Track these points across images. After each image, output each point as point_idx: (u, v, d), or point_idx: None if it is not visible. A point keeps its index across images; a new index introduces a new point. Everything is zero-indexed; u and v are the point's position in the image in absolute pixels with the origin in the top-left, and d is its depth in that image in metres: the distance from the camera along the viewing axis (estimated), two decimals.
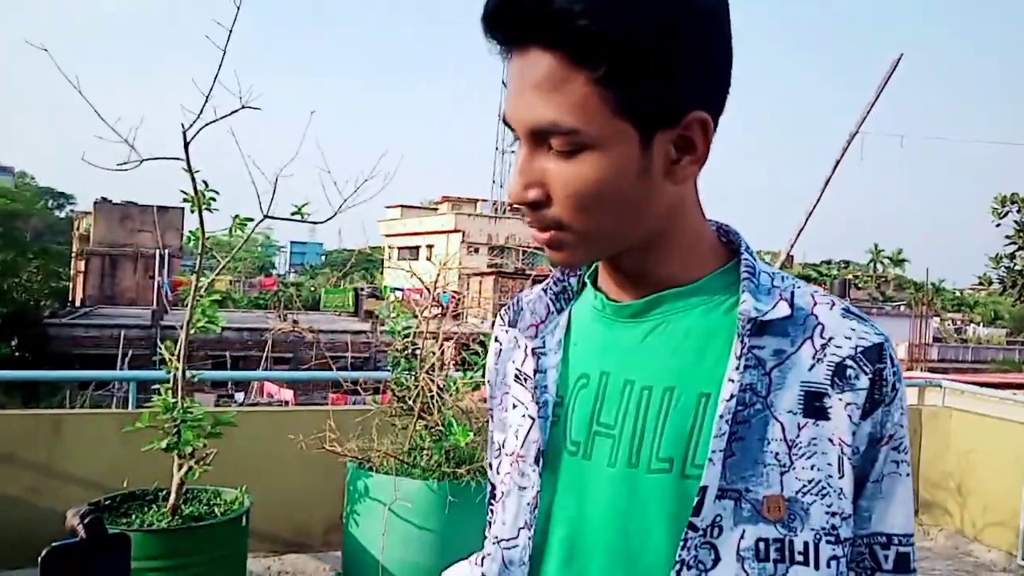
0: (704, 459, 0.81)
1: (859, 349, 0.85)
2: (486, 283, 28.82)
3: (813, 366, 0.84)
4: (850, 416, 0.83)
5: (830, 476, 0.83)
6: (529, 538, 0.92)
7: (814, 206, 6.14)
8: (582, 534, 0.89)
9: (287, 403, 16.55)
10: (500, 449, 1.01)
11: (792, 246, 6.78)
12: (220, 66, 3.14)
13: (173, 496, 3.42)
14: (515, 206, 0.86)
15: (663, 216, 0.87)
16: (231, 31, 3.12)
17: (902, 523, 0.88)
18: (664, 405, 0.86)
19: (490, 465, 1.10)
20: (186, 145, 3.23)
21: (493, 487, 1.08)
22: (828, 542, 0.82)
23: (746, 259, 0.90)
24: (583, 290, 1.00)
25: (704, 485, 0.81)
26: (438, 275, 4.09)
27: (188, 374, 3.58)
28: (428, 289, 4.07)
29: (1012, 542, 5.34)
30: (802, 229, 6.29)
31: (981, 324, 50.63)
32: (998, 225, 7.13)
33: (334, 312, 36.00)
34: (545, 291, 1.01)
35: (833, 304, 0.89)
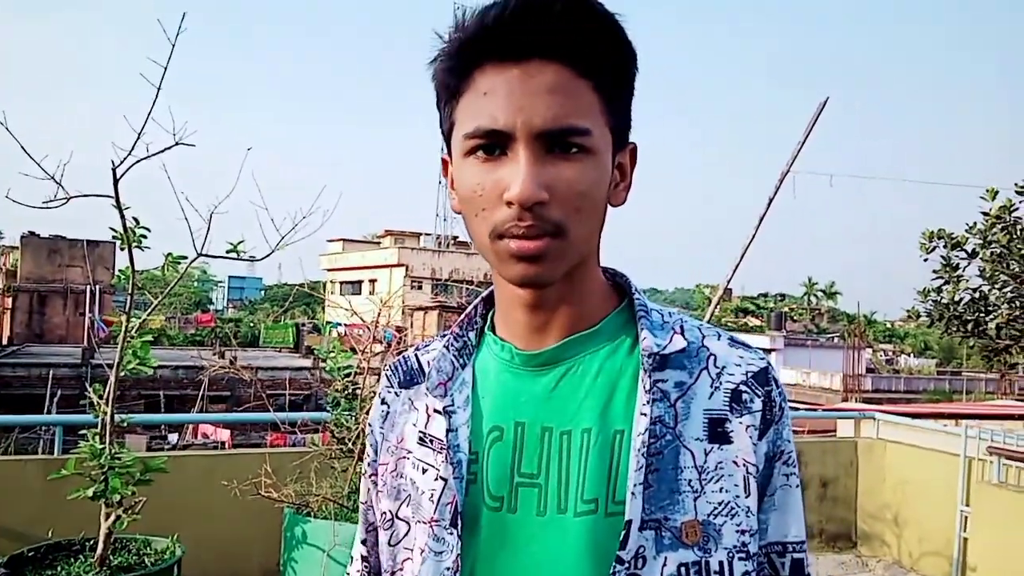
0: (623, 495, 0.84)
1: (749, 374, 0.91)
2: (430, 318, 28.66)
3: (712, 394, 0.89)
4: (751, 437, 0.89)
5: (737, 496, 0.87)
6: None
7: (750, 241, 6.27)
8: None
9: (224, 444, 16.10)
10: (393, 520, 0.97)
11: (729, 280, 6.91)
12: (154, 103, 3.08)
13: (101, 546, 3.29)
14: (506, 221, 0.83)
15: (597, 238, 0.92)
16: (166, 68, 3.06)
17: (795, 531, 0.93)
18: (584, 447, 0.88)
19: (363, 541, 1.08)
20: (115, 182, 3.14)
21: (364, 562, 1.08)
22: (740, 559, 0.86)
23: (638, 299, 0.95)
24: (480, 344, 1.00)
25: (629, 519, 0.83)
26: (379, 313, 4.04)
27: (117, 418, 3.45)
28: (368, 328, 4.01)
29: (947, 571, 5.46)
30: (738, 264, 6.41)
31: (912, 355, 52.19)
32: (925, 260, 7.44)
33: (274, 348, 35.34)
34: (448, 348, 0.99)
35: (719, 335, 0.95)
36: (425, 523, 0.92)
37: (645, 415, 0.86)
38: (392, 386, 1.04)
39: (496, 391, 0.94)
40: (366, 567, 1.08)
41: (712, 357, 0.91)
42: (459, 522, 0.89)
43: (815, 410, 11.64)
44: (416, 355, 1.05)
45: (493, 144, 0.84)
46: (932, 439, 6.10)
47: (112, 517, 3.30)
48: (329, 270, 48.93)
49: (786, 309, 57.56)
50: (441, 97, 0.90)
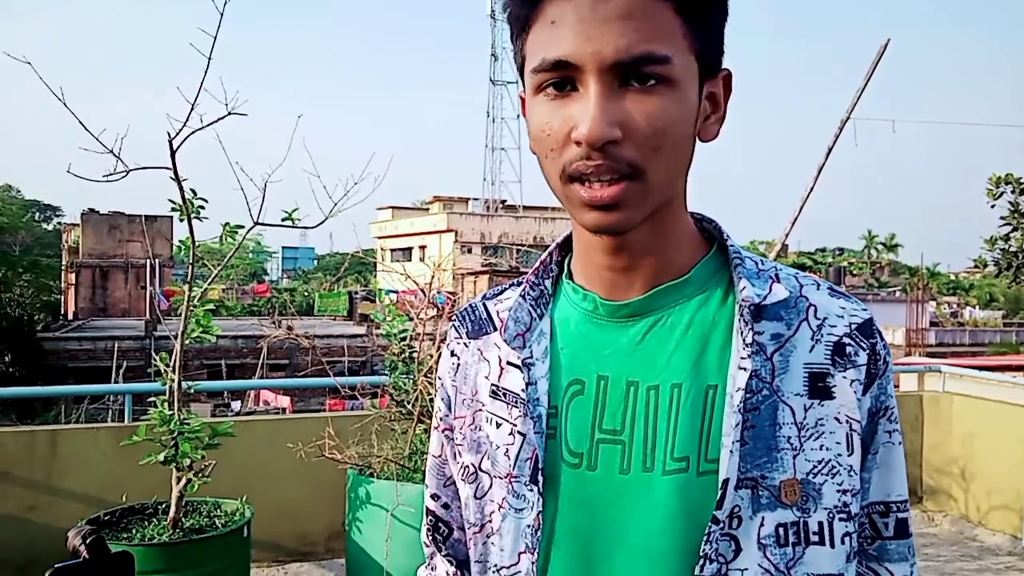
0: (717, 452, 0.81)
1: (853, 326, 0.86)
2: (481, 282, 28.79)
3: (813, 347, 0.84)
4: (855, 392, 0.84)
5: (839, 455, 0.83)
6: (533, 562, 0.87)
7: (808, 193, 6.12)
8: (594, 547, 0.85)
9: (284, 410, 16.50)
10: (476, 472, 0.94)
11: (787, 235, 6.77)
12: (205, 73, 3.10)
13: (173, 509, 3.39)
14: (579, 160, 0.77)
15: (683, 179, 0.86)
16: (215, 38, 3.07)
17: (899, 490, 0.89)
18: (674, 403, 0.84)
19: (434, 496, 1.05)
20: (172, 154, 3.18)
21: (436, 520, 1.04)
22: (840, 519, 0.83)
23: (732, 246, 0.89)
24: (556, 292, 0.95)
25: (726, 478, 0.79)
26: (432, 277, 4.05)
27: (184, 385, 3.54)
28: (423, 291, 4.03)
29: (1016, 525, 5.34)
30: (797, 217, 6.27)
31: (977, 307, 50.79)
32: (992, 206, 7.19)
33: (329, 317, 35.93)
34: (524, 297, 0.94)
35: (819, 284, 0.89)
36: (503, 479, 0.90)
37: (744, 369, 0.81)
38: (461, 336, 1.00)
39: (577, 343, 0.90)
40: (443, 523, 1.04)
41: (812, 308, 0.86)
42: (539, 478, 0.86)
43: None
44: (484, 304, 1.01)
45: (563, 78, 0.78)
46: (1000, 391, 5.94)
47: (183, 481, 3.39)
48: (380, 238, 49.38)
49: (845, 263, 56.35)
50: (513, 30, 0.84)
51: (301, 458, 3.71)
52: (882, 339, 0.88)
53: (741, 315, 0.83)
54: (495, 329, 0.96)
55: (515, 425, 0.89)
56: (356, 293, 34.78)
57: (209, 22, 3.10)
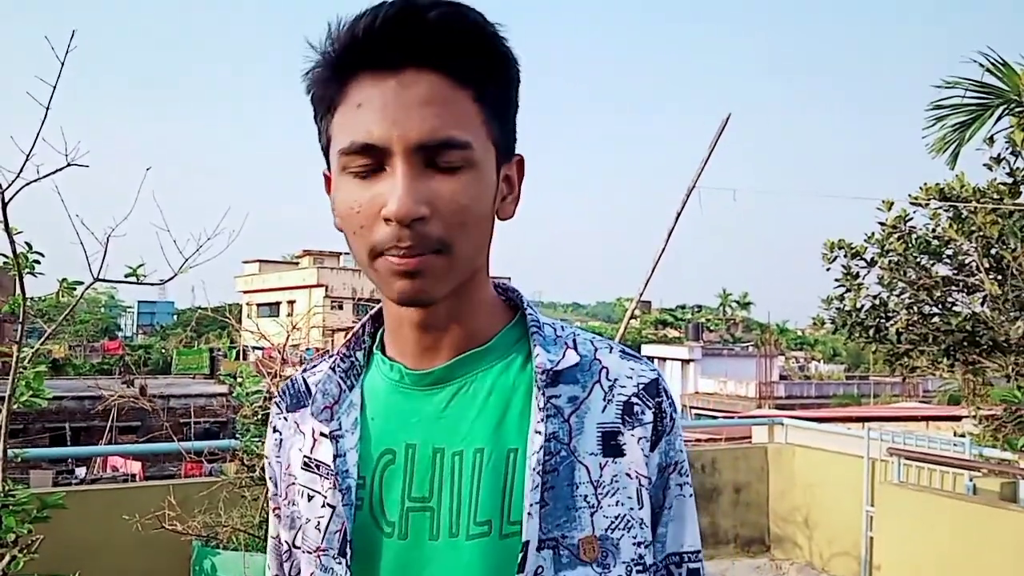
0: (519, 515, 0.84)
1: (640, 386, 0.91)
2: None
3: (605, 407, 0.89)
4: (643, 449, 0.88)
5: (632, 508, 0.87)
6: None
7: (660, 254, 6.40)
8: None
9: (135, 476, 15.48)
10: (291, 550, 0.95)
11: (641, 293, 7.03)
12: (43, 122, 2.95)
13: None
14: (394, 226, 0.79)
15: (486, 252, 0.90)
16: (55, 87, 2.94)
17: (691, 541, 0.93)
18: (477, 468, 0.86)
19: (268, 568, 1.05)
20: (3, 205, 3.00)
21: None
22: (638, 571, 0.86)
23: (531, 314, 0.93)
24: (369, 363, 0.97)
25: (526, 540, 0.81)
26: (287, 336, 3.96)
27: (11, 453, 3.28)
28: (279, 352, 3.92)
29: (856, 570, 5.65)
30: (650, 277, 6.53)
31: (822, 361, 54.03)
32: (828, 269, 7.72)
33: (188, 375, 34.23)
34: (334, 369, 0.95)
35: (611, 348, 0.94)
36: (311, 553, 0.89)
37: (540, 433, 0.84)
38: (281, 411, 1.00)
39: (386, 412, 0.92)
40: None
41: (604, 370, 0.91)
42: (348, 551, 0.86)
43: (731, 417, 11.95)
44: (303, 376, 1.01)
45: (369, 159, 0.80)
46: (837, 442, 6.32)
47: (7, 557, 3.13)
48: (245, 292, 47.76)
49: (703, 320, 58.93)
50: (317, 111, 0.87)
51: (139, 530, 3.49)
52: (668, 397, 0.93)
53: (536, 381, 0.87)
54: (311, 401, 0.96)
55: (325, 497, 0.89)
56: (218, 350, 33.36)
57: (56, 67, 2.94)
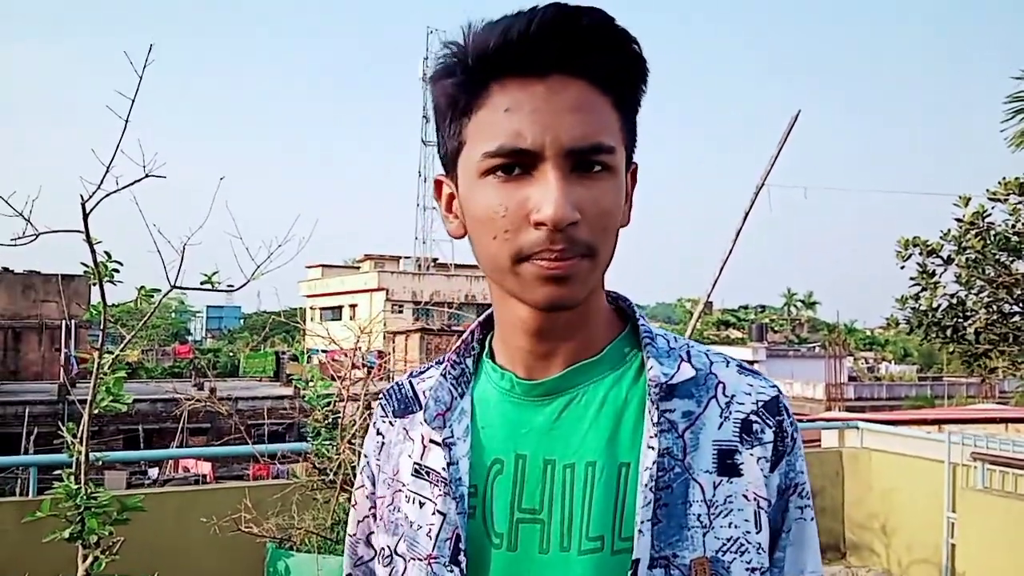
0: (631, 531, 0.82)
1: (760, 403, 0.88)
2: (412, 341, 28.56)
3: (721, 424, 0.86)
4: (762, 470, 0.86)
5: (747, 532, 0.84)
6: None
7: (727, 255, 6.30)
8: None
9: (205, 476, 15.91)
10: (392, 556, 0.94)
11: (709, 294, 6.94)
12: (122, 135, 3.03)
13: None
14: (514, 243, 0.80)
15: (611, 262, 0.88)
16: (133, 100, 3.02)
17: (812, 566, 0.90)
18: (589, 482, 0.85)
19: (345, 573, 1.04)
20: (85, 217, 3.09)
21: None
22: None
23: (643, 325, 0.92)
24: (478, 371, 0.96)
25: (636, 558, 0.80)
26: (357, 340, 3.99)
27: (92, 456, 3.37)
28: (347, 355, 3.96)
29: None
30: (717, 278, 6.43)
31: (892, 361, 52.61)
32: (902, 267, 7.46)
33: (254, 378, 35.02)
34: (445, 376, 0.94)
35: (728, 362, 0.92)
36: (422, 560, 0.88)
37: (653, 448, 0.83)
38: (387, 415, 1.01)
39: (496, 421, 0.91)
40: None
41: (721, 385, 0.88)
42: (461, 559, 0.85)
43: (800, 420, 11.66)
44: (411, 382, 1.01)
45: (514, 163, 0.80)
46: (916, 446, 6.11)
47: (89, 559, 3.21)
48: (309, 296, 48.66)
49: (767, 320, 57.90)
50: (446, 114, 0.85)
51: (215, 532, 3.55)
52: (789, 416, 0.90)
53: (649, 394, 0.85)
54: (420, 408, 0.96)
55: (436, 504, 0.88)
56: (283, 353, 34.05)
57: (132, 80, 3.02)
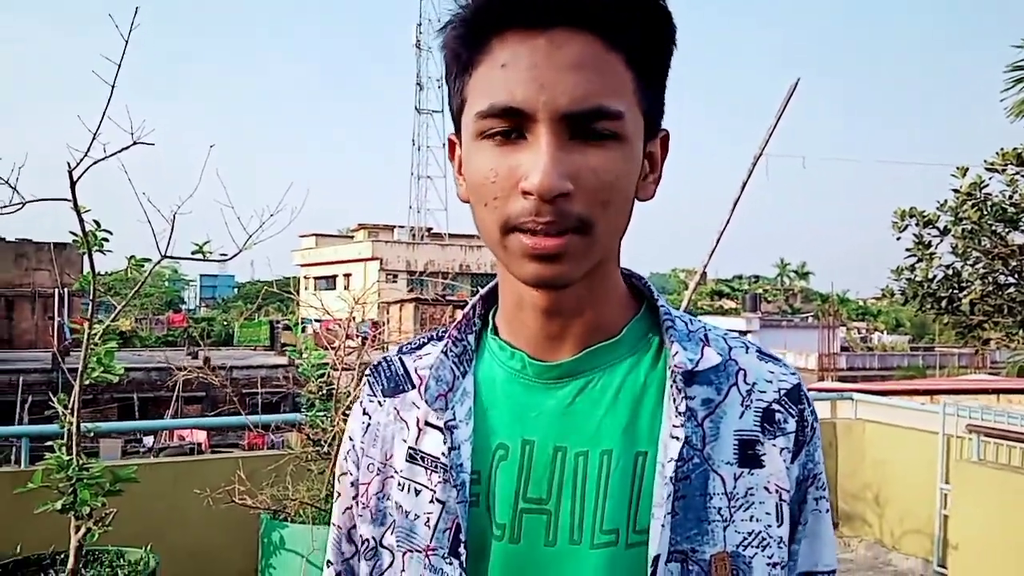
0: (645, 523, 0.77)
1: (782, 391, 0.83)
2: (406, 311, 28.53)
3: (743, 413, 0.81)
4: (784, 460, 0.81)
5: (769, 526, 0.80)
6: None
7: (724, 226, 6.25)
8: None
9: (200, 445, 15.94)
10: (376, 548, 0.87)
11: (706, 265, 6.91)
12: (108, 101, 2.96)
13: (72, 560, 3.20)
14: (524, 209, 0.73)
15: (622, 237, 0.82)
16: (119, 65, 2.95)
17: (827, 559, 0.86)
18: (603, 472, 0.79)
19: (328, 563, 0.96)
20: (72, 185, 3.03)
21: None
22: None
23: (663, 306, 0.86)
24: (479, 348, 0.89)
25: (657, 554, 0.75)
26: (351, 311, 3.95)
27: (83, 428, 3.35)
28: (339, 326, 3.93)
29: (928, 549, 5.49)
30: (714, 249, 6.39)
31: (885, 332, 52.81)
32: (898, 239, 7.43)
33: (249, 347, 35.03)
34: (446, 354, 0.87)
35: (747, 347, 0.87)
36: (419, 552, 0.82)
37: (677, 439, 0.77)
38: (375, 394, 0.92)
39: (502, 404, 0.84)
40: None
41: (742, 372, 0.83)
42: (461, 551, 0.79)
43: None
44: (401, 358, 0.93)
45: (510, 125, 0.73)
46: (910, 418, 6.12)
47: (82, 530, 3.21)
48: (303, 265, 48.55)
49: (760, 290, 57.99)
50: (451, 69, 0.79)
51: (209, 505, 3.54)
52: (810, 405, 0.86)
53: (674, 381, 0.80)
54: (413, 387, 0.89)
55: (434, 491, 0.82)
56: (278, 322, 34.01)
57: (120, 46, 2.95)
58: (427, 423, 0.85)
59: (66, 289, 29.82)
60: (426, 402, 0.85)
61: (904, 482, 5.80)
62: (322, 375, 3.92)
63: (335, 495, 0.97)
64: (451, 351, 0.87)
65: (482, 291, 0.92)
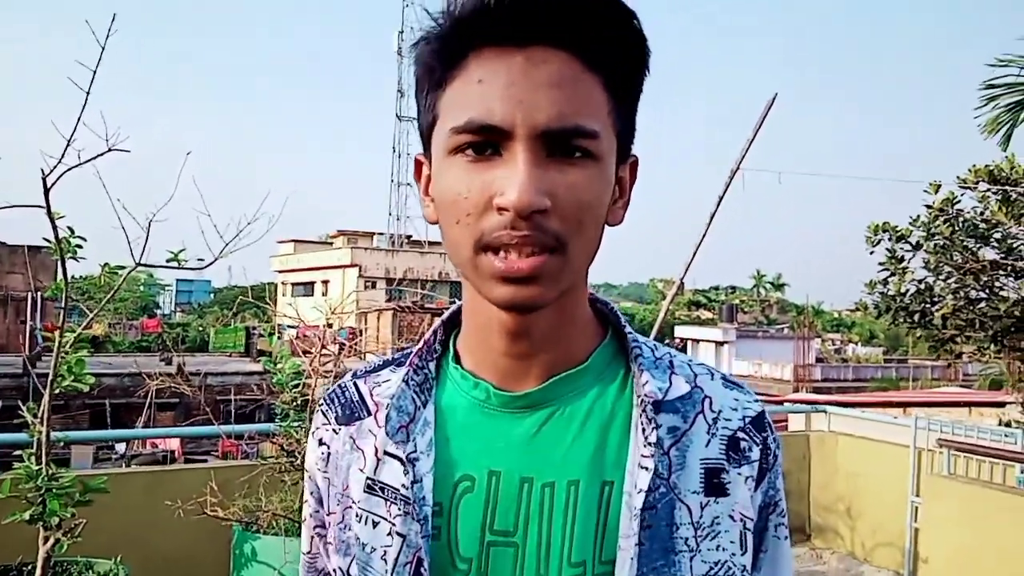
0: (611, 553, 0.76)
1: (747, 419, 0.83)
2: (384, 318, 28.42)
3: (709, 441, 0.81)
4: (749, 489, 0.81)
5: (733, 554, 0.79)
6: None
7: (702, 238, 6.30)
8: None
9: (173, 452, 15.76)
10: None
11: (683, 277, 6.96)
12: (84, 108, 2.93)
13: (39, 571, 3.15)
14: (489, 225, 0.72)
15: (590, 261, 0.80)
16: (95, 72, 2.92)
17: None
18: (570, 503, 0.78)
19: None
20: (46, 191, 2.99)
21: None
22: None
23: (630, 333, 0.85)
24: (440, 376, 0.87)
25: None
26: (327, 321, 3.94)
27: (53, 437, 3.30)
28: (315, 335, 3.91)
29: (899, 561, 5.54)
30: (691, 261, 6.44)
31: (859, 343, 53.28)
32: (872, 253, 7.53)
33: (224, 353, 34.71)
34: (407, 383, 0.85)
35: (712, 374, 0.86)
36: None
37: (647, 469, 0.76)
38: (329, 422, 0.90)
39: (466, 434, 0.82)
40: None
41: (708, 400, 0.83)
42: None
43: (769, 403, 11.79)
44: (355, 383, 0.90)
45: (485, 142, 0.72)
46: (882, 431, 6.19)
47: (51, 540, 3.16)
48: (280, 272, 48.22)
49: (737, 301, 58.33)
50: (423, 85, 0.78)
51: (180, 516, 3.50)
52: (773, 432, 0.86)
53: (644, 410, 0.79)
54: (369, 414, 0.87)
55: (393, 524, 0.80)
56: (254, 328, 33.72)
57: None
58: (386, 452, 0.83)
59: (39, 293, 29.42)
60: (387, 434, 0.83)
61: (876, 495, 5.85)
62: (297, 386, 3.89)
63: (303, 519, 0.96)
64: (412, 380, 0.85)
65: (443, 317, 0.91)
